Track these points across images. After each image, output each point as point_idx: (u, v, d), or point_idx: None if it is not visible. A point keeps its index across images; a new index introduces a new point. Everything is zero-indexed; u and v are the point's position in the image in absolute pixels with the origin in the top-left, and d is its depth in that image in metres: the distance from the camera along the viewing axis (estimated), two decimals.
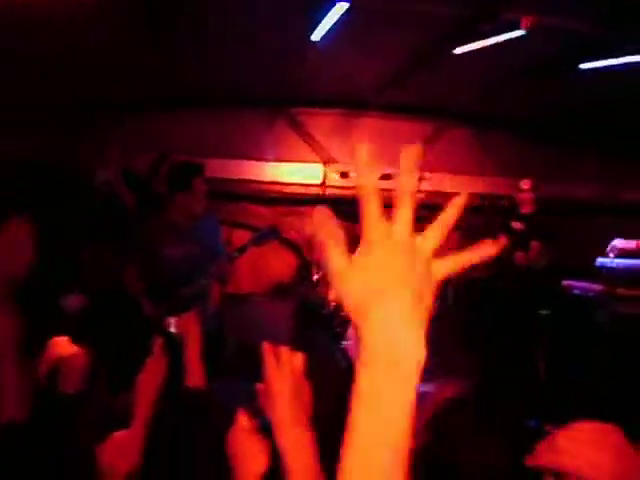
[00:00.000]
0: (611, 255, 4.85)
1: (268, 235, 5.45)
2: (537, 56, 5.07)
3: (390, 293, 0.58)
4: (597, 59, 4.72)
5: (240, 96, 6.83)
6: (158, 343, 1.97)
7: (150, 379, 1.89)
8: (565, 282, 5.24)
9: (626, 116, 6.23)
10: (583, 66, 4.90)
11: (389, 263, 0.59)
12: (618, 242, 4.85)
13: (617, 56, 4.55)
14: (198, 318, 2.17)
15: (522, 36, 4.00)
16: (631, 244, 4.77)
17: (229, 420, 1.37)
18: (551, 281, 5.67)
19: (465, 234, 6.97)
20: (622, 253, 4.77)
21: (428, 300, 0.62)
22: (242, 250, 5.17)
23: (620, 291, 4.62)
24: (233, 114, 7.03)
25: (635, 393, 3.26)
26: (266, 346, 1.22)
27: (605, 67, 4.73)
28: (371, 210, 0.60)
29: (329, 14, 3.85)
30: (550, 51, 4.94)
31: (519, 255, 6.09)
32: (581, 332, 4.64)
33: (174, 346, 2.06)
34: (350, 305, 0.59)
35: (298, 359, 1.24)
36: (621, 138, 7.14)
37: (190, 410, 1.91)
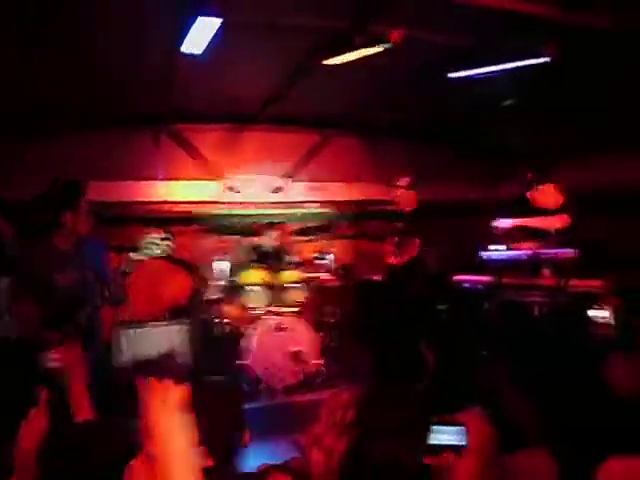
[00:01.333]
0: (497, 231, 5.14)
1: (155, 245, 5.31)
2: (410, 65, 5.29)
3: None
4: (465, 69, 4.97)
5: (124, 116, 6.58)
6: (42, 393, 1.83)
7: (33, 429, 1.76)
8: (455, 277, 5.48)
9: (497, 121, 6.65)
10: (453, 75, 5.15)
11: None
12: (499, 222, 5.12)
13: (484, 65, 4.82)
14: (79, 349, 2.04)
15: (394, 47, 4.15)
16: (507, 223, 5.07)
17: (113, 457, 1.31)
18: (443, 278, 5.90)
19: (359, 241, 7.14)
20: (502, 233, 5.04)
21: None
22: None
23: (506, 280, 4.89)
24: (117, 135, 6.75)
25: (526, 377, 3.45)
26: (139, 382, 1.16)
27: (472, 76, 5.00)
28: None
29: (196, 27, 3.79)
30: (421, 61, 5.17)
31: (395, 254, 6.25)
32: (473, 321, 4.89)
33: (56, 384, 1.94)
34: None
35: (174, 392, 1.18)
36: (496, 141, 7.62)
37: (79, 445, 1.79)
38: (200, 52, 4.32)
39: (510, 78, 5.09)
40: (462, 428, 1.40)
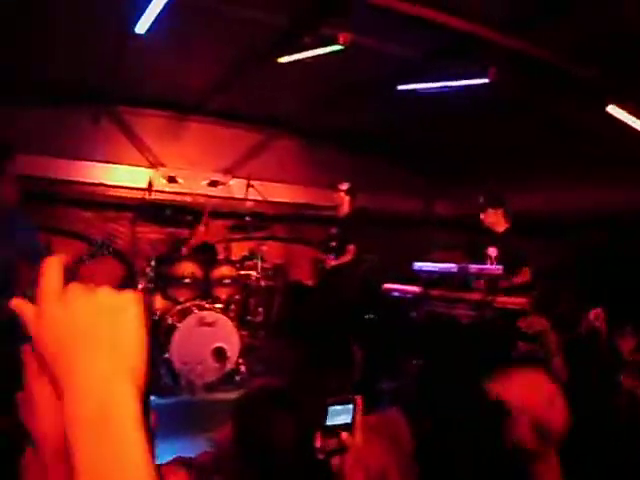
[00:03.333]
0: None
1: (102, 249, 5.14)
2: (358, 73, 5.34)
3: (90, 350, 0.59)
4: (415, 81, 5.06)
5: (66, 91, 6.33)
6: None
7: None
8: (385, 285, 5.57)
9: (442, 135, 6.80)
10: (400, 87, 5.23)
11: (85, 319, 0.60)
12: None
13: (433, 80, 4.93)
14: None
15: (345, 52, 4.16)
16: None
17: None
18: (375, 286, 5.98)
19: (292, 244, 7.14)
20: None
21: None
22: (78, 263, 4.83)
23: (434, 292, 5.02)
24: (57, 110, 6.48)
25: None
26: (26, 349, 1.08)
27: (419, 90, 5.10)
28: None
29: (150, 6, 3.70)
30: (371, 70, 5.23)
31: (329, 259, 6.36)
32: (398, 328, 4.99)
33: None
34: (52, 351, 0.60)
35: None
36: (438, 155, 7.79)
37: None
38: (148, 33, 4.22)
39: (454, 95, 5.22)
40: (350, 406, 1.41)
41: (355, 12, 3.85)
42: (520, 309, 4.49)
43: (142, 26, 4.20)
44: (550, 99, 5.20)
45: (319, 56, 4.38)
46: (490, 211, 5.32)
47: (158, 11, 3.90)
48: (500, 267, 4.87)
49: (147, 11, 3.93)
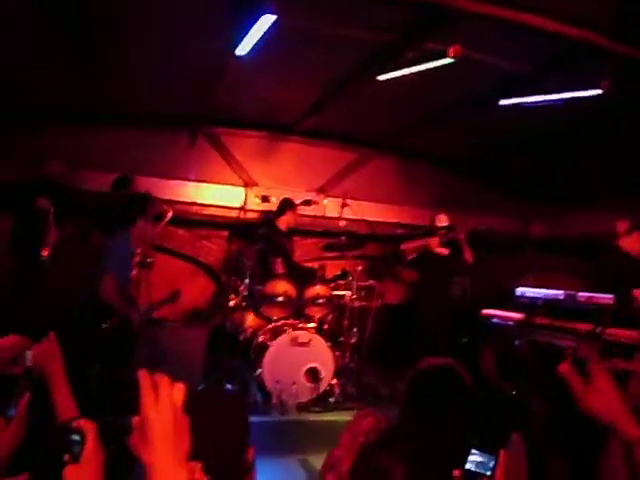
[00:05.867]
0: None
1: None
2: (457, 89, 5.18)
3: None
4: (518, 95, 4.84)
5: (163, 113, 6.57)
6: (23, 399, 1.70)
7: (10, 436, 1.63)
8: (484, 311, 5.30)
9: (542, 155, 6.49)
10: (503, 102, 5.01)
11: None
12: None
13: (537, 93, 4.69)
14: (55, 343, 1.91)
15: (445, 69, 4.04)
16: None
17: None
18: (470, 310, 5.75)
19: (377, 263, 7.02)
20: None
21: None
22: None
23: (538, 320, 4.71)
24: (155, 131, 6.73)
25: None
26: (143, 375, 1.04)
27: (523, 103, 4.86)
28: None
29: (254, 28, 3.73)
30: (472, 86, 5.06)
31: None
32: (501, 359, 4.71)
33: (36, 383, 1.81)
34: None
35: (178, 392, 1.06)
36: (534, 177, 7.45)
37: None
38: (249, 54, 4.27)
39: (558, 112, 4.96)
40: (493, 459, 1.33)
41: (461, 24, 3.72)
42: (634, 344, 4.11)
43: (244, 48, 4.25)
44: None
45: (417, 73, 4.29)
46: (629, 237, 5.05)
47: (261, 34, 3.92)
48: (611, 296, 4.52)
49: (250, 33, 3.96)
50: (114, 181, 5.58)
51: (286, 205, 6.38)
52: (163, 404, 1.02)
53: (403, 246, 6.59)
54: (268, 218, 6.65)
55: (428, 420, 1.73)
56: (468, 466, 1.33)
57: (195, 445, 1.07)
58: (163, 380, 1.05)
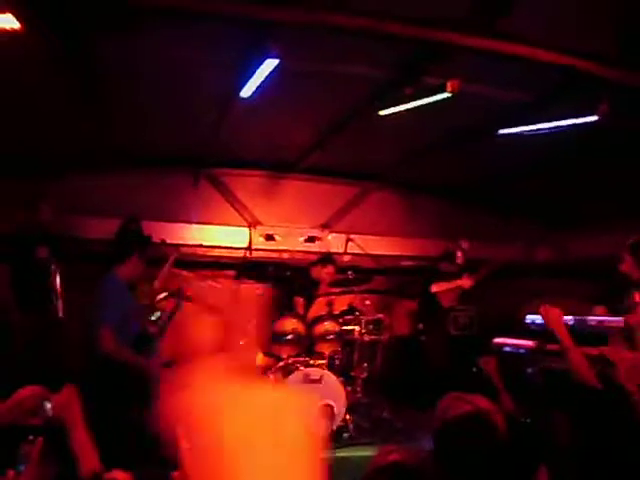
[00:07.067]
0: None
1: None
2: (456, 121, 5.26)
3: None
4: (516, 124, 4.92)
5: (165, 156, 6.67)
6: (36, 445, 1.70)
7: None
8: (496, 340, 5.26)
9: (544, 180, 6.55)
10: (502, 131, 5.09)
11: None
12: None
13: (535, 122, 4.77)
14: (76, 394, 1.91)
15: (443, 102, 4.11)
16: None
17: None
18: (481, 339, 5.71)
19: (392, 296, 7.01)
20: None
21: None
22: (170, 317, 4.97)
23: (550, 347, 4.67)
24: (156, 175, 6.84)
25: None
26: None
27: (525, 132, 4.94)
28: None
29: (258, 71, 3.82)
30: (471, 117, 5.15)
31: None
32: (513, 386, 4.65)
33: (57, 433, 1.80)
34: None
35: None
36: (537, 202, 7.51)
37: None
38: (251, 96, 4.35)
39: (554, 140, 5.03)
40: None
41: (459, 58, 3.81)
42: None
43: (247, 91, 4.34)
44: None
45: (417, 107, 4.36)
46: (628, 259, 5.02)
47: (264, 77, 4.00)
48: (621, 319, 4.50)
49: (253, 77, 4.04)
50: (124, 223, 5.67)
51: (327, 260, 6.41)
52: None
53: (435, 288, 6.52)
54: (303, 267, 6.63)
55: (460, 472, 1.69)
56: None
57: None
58: None
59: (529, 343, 4.95)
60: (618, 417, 1.72)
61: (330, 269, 6.31)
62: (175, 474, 1.05)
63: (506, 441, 1.75)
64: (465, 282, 6.57)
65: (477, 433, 1.80)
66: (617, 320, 4.54)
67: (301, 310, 6.04)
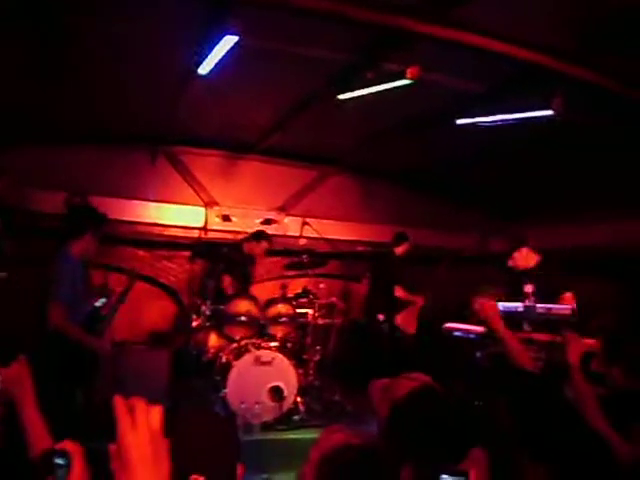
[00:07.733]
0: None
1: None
2: (415, 109, 5.30)
3: None
4: (474, 115, 4.98)
5: (122, 132, 6.51)
6: None
7: None
8: (447, 324, 5.38)
9: (500, 171, 6.67)
10: (460, 121, 5.15)
11: None
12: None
13: (493, 113, 4.84)
14: (26, 367, 1.85)
15: (402, 89, 4.14)
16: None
17: None
18: (431, 325, 5.83)
19: (347, 281, 7.05)
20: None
21: None
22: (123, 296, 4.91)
23: None
24: (114, 151, 6.67)
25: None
26: (118, 400, 1.01)
27: (482, 123, 5.00)
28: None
29: (216, 48, 3.75)
30: (428, 105, 5.19)
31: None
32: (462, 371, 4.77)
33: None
34: None
35: (155, 414, 1.03)
36: (495, 191, 7.64)
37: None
38: (209, 73, 4.28)
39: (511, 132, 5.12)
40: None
41: (419, 46, 3.83)
42: (591, 351, 4.25)
43: (205, 67, 4.26)
44: (616, 130, 5.05)
45: (377, 92, 4.37)
46: (516, 255, 5.24)
47: (223, 54, 3.93)
48: (569, 307, 4.66)
49: (212, 53, 3.97)
50: (67, 197, 5.53)
51: (261, 236, 6.36)
52: (140, 428, 0.99)
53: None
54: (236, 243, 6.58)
55: (410, 446, 1.72)
56: None
57: (189, 464, 1.05)
58: (139, 404, 1.01)
59: (479, 329, 5.08)
60: (551, 402, 1.77)
61: (264, 245, 6.28)
62: (112, 446, 1.03)
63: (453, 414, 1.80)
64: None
65: (430, 405, 1.83)
66: (564, 308, 4.70)
67: (229, 290, 6.01)
